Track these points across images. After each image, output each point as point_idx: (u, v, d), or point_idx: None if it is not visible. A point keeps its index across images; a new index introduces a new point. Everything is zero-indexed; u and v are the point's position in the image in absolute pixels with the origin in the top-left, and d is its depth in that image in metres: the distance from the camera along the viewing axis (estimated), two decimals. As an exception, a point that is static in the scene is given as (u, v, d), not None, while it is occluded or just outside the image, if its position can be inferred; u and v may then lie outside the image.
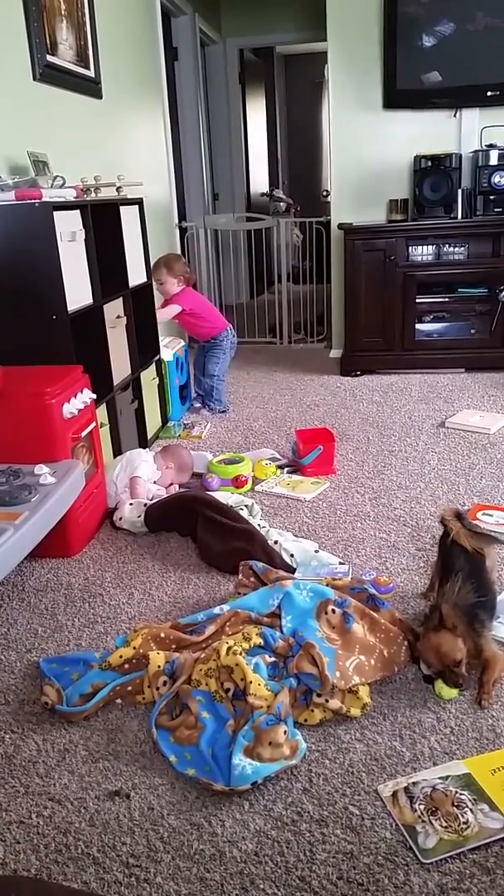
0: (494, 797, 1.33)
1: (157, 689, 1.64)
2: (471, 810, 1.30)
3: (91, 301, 2.67)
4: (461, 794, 1.34)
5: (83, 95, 3.36)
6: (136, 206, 3.26)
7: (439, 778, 1.39)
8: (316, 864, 1.24)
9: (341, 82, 4.41)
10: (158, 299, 3.74)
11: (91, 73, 3.42)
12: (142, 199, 3.31)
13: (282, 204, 6.56)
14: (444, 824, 1.28)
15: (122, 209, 3.03)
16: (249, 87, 6.84)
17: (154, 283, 3.54)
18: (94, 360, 2.63)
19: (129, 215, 3.12)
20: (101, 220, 2.79)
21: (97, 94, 3.51)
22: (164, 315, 3.62)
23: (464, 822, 1.28)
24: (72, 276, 2.47)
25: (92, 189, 2.89)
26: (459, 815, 1.29)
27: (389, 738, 1.51)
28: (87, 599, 2.09)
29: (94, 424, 2.46)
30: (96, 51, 3.45)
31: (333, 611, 1.79)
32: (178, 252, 4.98)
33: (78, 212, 2.58)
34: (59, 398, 2.21)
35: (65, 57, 3.14)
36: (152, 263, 3.50)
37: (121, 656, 1.71)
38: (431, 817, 1.30)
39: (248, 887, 1.21)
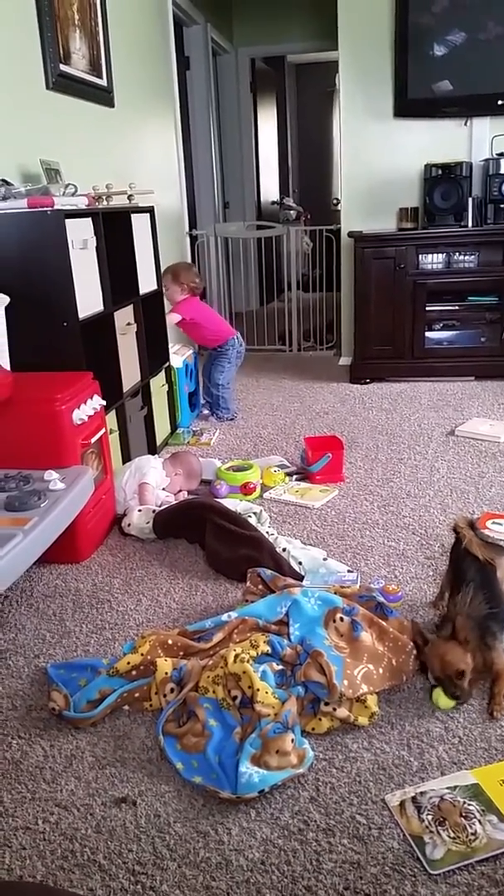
0: (503, 808, 1.32)
1: (165, 695, 1.64)
2: (479, 821, 1.29)
3: (102, 308, 2.68)
4: (469, 805, 1.33)
5: (95, 104, 3.39)
6: (148, 214, 3.28)
7: (447, 788, 1.38)
8: (322, 873, 1.23)
9: (352, 91, 4.43)
10: (168, 306, 3.77)
11: (104, 82, 3.45)
12: (153, 207, 3.33)
13: (292, 212, 6.58)
14: (452, 835, 1.27)
15: (134, 217, 3.04)
16: (261, 95, 6.88)
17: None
18: (104, 367, 2.64)
19: (140, 223, 3.13)
20: (113, 228, 2.81)
21: (109, 103, 3.54)
22: (168, 322, 3.64)
23: (472, 834, 1.27)
24: (83, 284, 2.49)
25: (104, 197, 2.91)
26: (468, 826, 1.28)
27: (397, 748, 1.50)
28: (95, 605, 2.09)
29: (103, 431, 2.47)
30: (109, 60, 3.48)
31: (342, 619, 1.79)
32: (189, 260, 5.00)
33: (89, 219, 2.60)
34: (69, 404, 2.22)
35: (78, 66, 3.16)
36: (162, 270, 3.51)
37: (128, 663, 1.71)
38: (439, 828, 1.29)
39: (255, 896, 1.20)
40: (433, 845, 1.26)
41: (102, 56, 3.42)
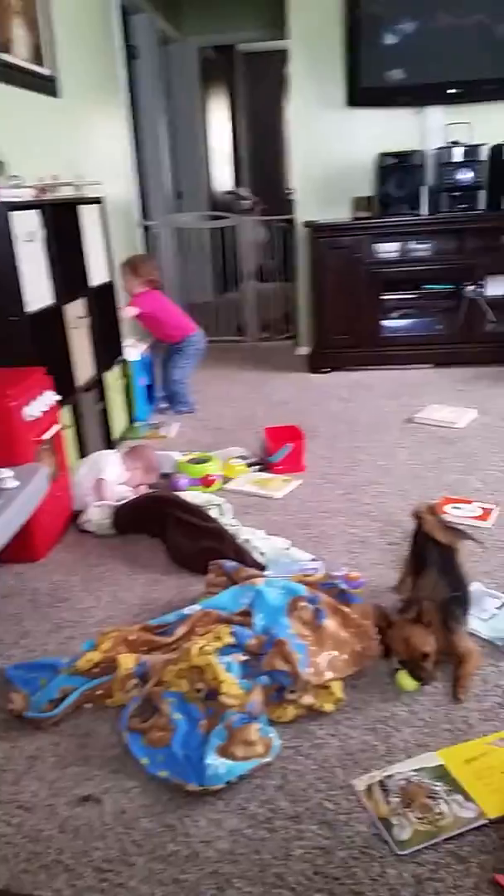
0: (468, 787, 1.33)
1: (128, 691, 1.62)
2: (445, 801, 1.30)
3: (52, 301, 2.63)
4: (435, 786, 1.34)
5: (40, 94, 3.31)
6: (97, 205, 3.22)
7: (413, 770, 1.38)
8: (291, 860, 1.23)
9: (303, 80, 4.41)
10: (126, 299, 3.72)
11: (48, 72, 3.38)
12: (102, 197, 3.28)
13: (245, 202, 6.55)
14: (419, 816, 1.28)
15: (82, 208, 2.99)
16: (211, 85, 6.82)
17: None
18: (56, 362, 2.59)
19: (89, 214, 3.08)
20: (61, 220, 2.76)
21: (55, 93, 3.46)
22: (122, 315, 3.58)
23: (438, 814, 1.28)
24: (31, 277, 2.44)
25: (50, 189, 2.85)
26: (434, 807, 1.29)
27: (363, 733, 1.51)
28: (54, 604, 2.05)
29: (57, 427, 2.42)
30: (53, 49, 3.40)
31: (305, 607, 1.78)
32: (143, 252, 4.95)
33: (36, 212, 2.54)
34: (20, 401, 2.18)
35: (19, 55, 3.09)
36: (116, 263, 3.46)
37: (89, 660, 1.68)
38: (406, 810, 1.29)
39: (224, 886, 1.19)
40: (400, 827, 1.26)
41: (46, 45, 3.35)
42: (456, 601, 1.69)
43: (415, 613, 1.64)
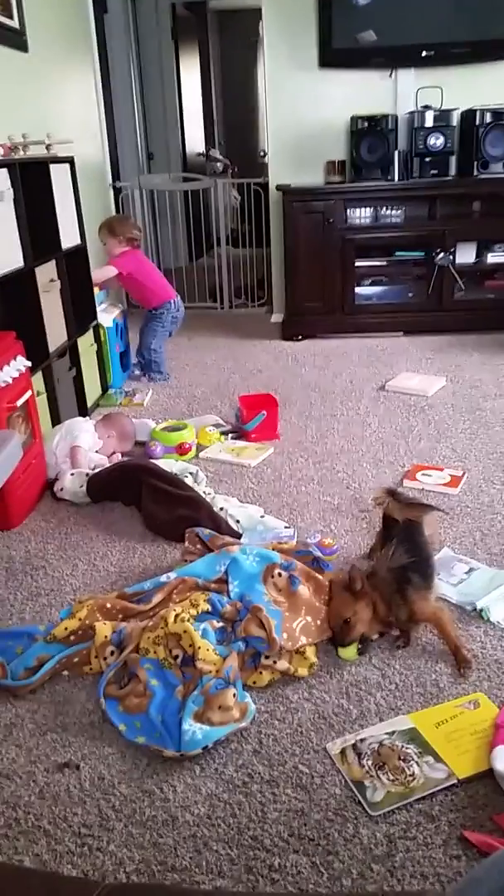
0: (439, 749, 1.37)
1: (105, 659, 1.63)
2: (416, 763, 1.34)
3: (22, 264, 2.57)
4: (407, 748, 1.37)
5: (6, 48, 3.19)
6: (68, 165, 3.14)
7: (386, 733, 1.42)
8: (267, 823, 1.26)
9: (276, 40, 4.31)
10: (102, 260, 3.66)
11: (15, 24, 3.25)
12: (73, 157, 3.19)
13: (218, 164, 6.43)
14: (392, 778, 1.31)
15: (53, 168, 2.91)
16: (183, 43, 6.63)
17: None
18: (27, 327, 2.55)
19: (59, 175, 3.00)
20: (31, 180, 2.69)
21: (22, 47, 3.34)
22: (96, 276, 3.51)
23: (410, 775, 1.32)
24: (0, 239, 2.37)
25: (20, 147, 2.77)
26: (406, 769, 1.33)
27: (336, 697, 1.54)
28: (30, 572, 2.05)
29: (29, 393, 2.39)
30: (20, 0, 3.27)
31: (280, 574, 1.81)
32: (116, 212, 4.85)
33: (5, 171, 2.47)
34: (-7, 366, 2.14)
35: (-14, 5, 2.97)
36: (87, 225, 3.38)
37: (66, 628, 1.69)
38: (379, 772, 1.33)
39: (202, 849, 1.22)
40: (373, 788, 1.30)
41: (13, -5, 3.22)
42: (414, 567, 1.69)
43: (357, 585, 1.65)
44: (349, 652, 1.64)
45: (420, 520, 1.88)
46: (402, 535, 1.78)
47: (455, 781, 1.31)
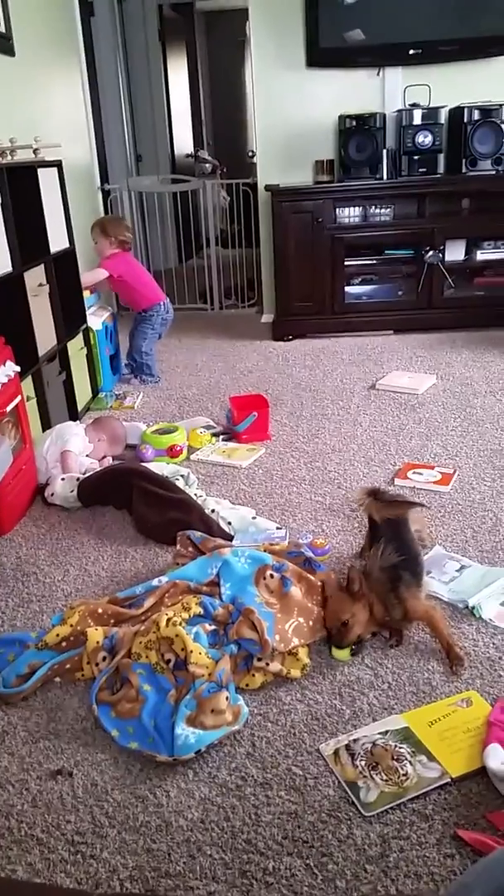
0: (432, 748, 1.37)
1: (97, 664, 1.62)
2: (410, 762, 1.34)
3: (10, 269, 2.56)
4: (400, 748, 1.37)
5: (-7, 51, 3.19)
6: (55, 169, 3.14)
7: (379, 733, 1.42)
8: (261, 826, 1.26)
9: (263, 40, 4.31)
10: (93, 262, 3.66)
11: (1, 28, 3.24)
12: (61, 161, 3.19)
13: (207, 165, 6.42)
14: (385, 778, 1.31)
15: (40, 172, 2.91)
16: (170, 44, 6.63)
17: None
18: (16, 331, 2.54)
19: (47, 178, 3.00)
20: (18, 184, 2.68)
21: (9, 51, 3.33)
22: (87, 279, 3.50)
23: (403, 775, 1.32)
24: (-12, 244, 2.37)
25: (7, 152, 2.76)
26: (399, 768, 1.33)
27: (329, 697, 1.54)
28: (21, 578, 2.04)
29: (19, 398, 2.38)
30: (6, 4, 3.26)
31: (272, 575, 1.80)
32: (107, 214, 4.84)
33: (-8, 175, 2.47)
34: (-19, 372, 2.13)
35: (-30, 9, 2.96)
36: (76, 228, 3.37)
37: (57, 634, 1.68)
38: (372, 772, 1.33)
39: (196, 854, 1.21)
40: (367, 789, 1.30)
41: (-3, -2, 3.21)
42: (404, 565, 1.69)
43: (356, 586, 1.65)
44: (344, 653, 1.64)
45: (404, 517, 1.88)
46: (389, 534, 1.78)
47: (448, 780, 1.31)
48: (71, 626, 1.69)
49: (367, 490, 1.96)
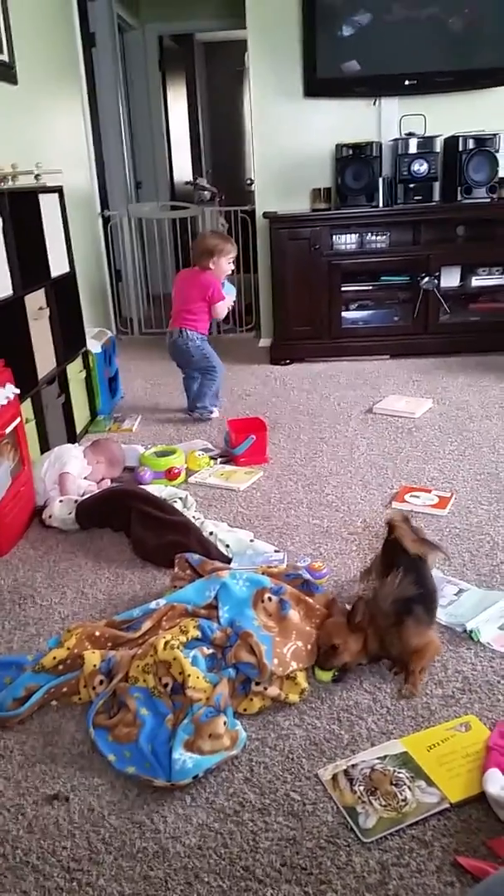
0: (431, 773, 1.36)
1: (94, 688, 1.61)
2: (409, 787, 1.33)
3: (11, 292, 2.59)
4: (399, 773, 1.36)
5: (-4, 80, 3.25)
6: (56, 194, 3.18)
7: (377, 758, 1.41)
8: (259, 852, 1.25)
9: (262, 70, 4.40)
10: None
11: (5, 57, 3.31)
12: (61, 186, 3.23)
13: (206, 192, 6.50)
14: (384, 803, 1.30)
15: (42, 197, 2.94)
16: (170, 74, 6.74)
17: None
18: (16, 354, 2.56)
19: (48, 203, 3.04)
20: (20, 209, 2.71)
21: (12, 80, 3.39)
22: (229, 304, 3.40)
23: (402, 800, 1.31)
24: (-10, 268, 2.39)
25: (8, 177, 2.80)
26: (398, 794, 1.32)
27: (328, 722, 1.53)
28: (18, 601, 2.03)
29: (18, 420, 2.39)
30: (10, 35, 3.33)
31: (270, 598, 1.80)
32: (103, 242, 4.89)
33: (-6, 201, 2.50)
34: (-19, 394, 2.14)
35: (-25, 39, 3.02)
36: (74, 252, 3.40)
37: (54, 658, 1.67)
38: (371, 797, 1.32)
39: (193, 881, 1.20)
40: (366, 815, 1.29)
41: (2, 30, 3.27)
42: (419, 598, 1.66)
43: (357, 618, 1.63)
44: (326, 675, 1.64)
45: (427, 559, 1.85)
46: (409, 565, 1.75)
47: (447, 805, 1.30)
48: (68, 649, 1.69)
49: (402, 516, 1.95)
